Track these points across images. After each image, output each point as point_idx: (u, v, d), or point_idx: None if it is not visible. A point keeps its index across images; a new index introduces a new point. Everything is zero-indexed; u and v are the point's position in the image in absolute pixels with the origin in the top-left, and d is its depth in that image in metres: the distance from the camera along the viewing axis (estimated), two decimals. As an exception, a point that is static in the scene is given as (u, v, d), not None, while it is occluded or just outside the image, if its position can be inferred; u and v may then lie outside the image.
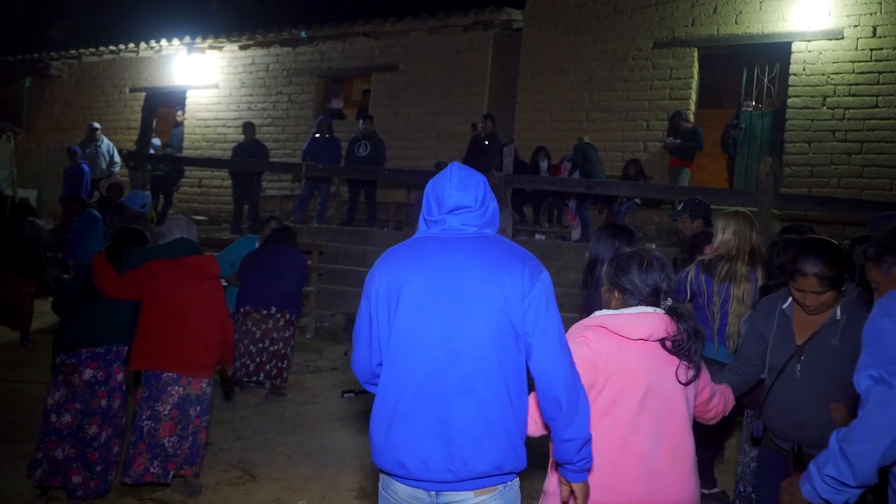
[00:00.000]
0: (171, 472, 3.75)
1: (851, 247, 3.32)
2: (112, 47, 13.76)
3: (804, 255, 2.54)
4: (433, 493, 1.84)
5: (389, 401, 1.89)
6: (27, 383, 5.77)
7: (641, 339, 2.07)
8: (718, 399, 2.34)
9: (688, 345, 2.08)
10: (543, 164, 9.32)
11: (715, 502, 3.82)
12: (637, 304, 2.12)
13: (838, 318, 2.54)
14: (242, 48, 12.75)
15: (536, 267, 1.90)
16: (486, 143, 9.15)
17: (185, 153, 13.03)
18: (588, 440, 1.86)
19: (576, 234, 8.92)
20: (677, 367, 2.09)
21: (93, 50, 14.02)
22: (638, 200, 8.99)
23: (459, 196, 1.96)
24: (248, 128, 10.84)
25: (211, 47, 12.97)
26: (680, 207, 4.75)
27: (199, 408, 3.81)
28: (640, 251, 2.20)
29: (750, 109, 9.60)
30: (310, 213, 10.62)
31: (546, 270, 1.93)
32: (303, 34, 11.93)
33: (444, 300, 1.86)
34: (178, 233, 3.90)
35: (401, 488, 1.89)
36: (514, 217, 8.23)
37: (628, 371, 2.05)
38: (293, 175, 11.25)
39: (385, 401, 1.90)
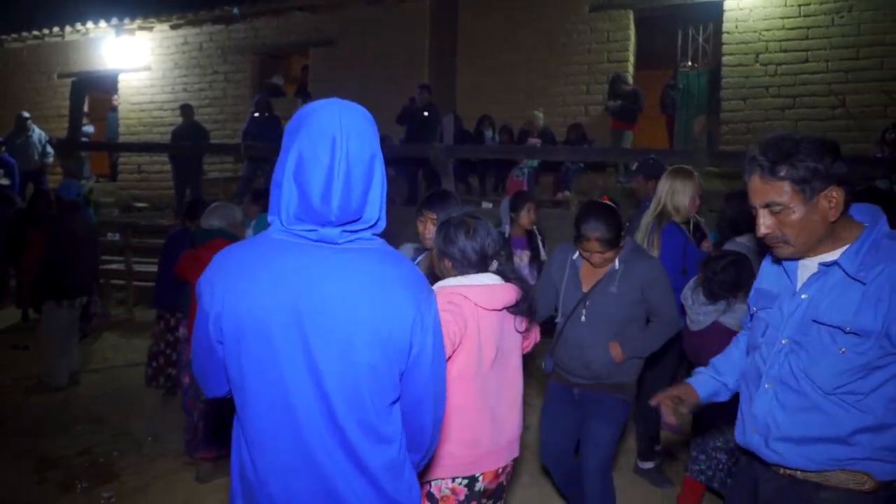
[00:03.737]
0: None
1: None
2: (35, 32, 13.20)
3: (586, 221, 2.83)
4: None
5: (245, 467, 1.48)
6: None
7: (496, 310, 2.17)
8: (535, 330, 2.48)
9: (526, 305, 2.23)
10: (488, 133, 9.31)
11: (654, 475, 3.82)
12: (468, 271, 2.19)
13: (616, 268, 2.91)
14: (174, 28, 12.36)
15: (426, 301, 1.48)
16: (426, 114, 9.08)
17: (122, 139, 12.66)
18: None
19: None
20: (515, 320, 2.24)
21: (15, 35, 13.42)
22: (582, 164, 9.07)
23: (346, 201, 1.41)
24: (186, 110, 10.56)
25: (140, 28, 12.54)
26: (634, 168, 4.74)
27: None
28: (465, 217, 2.22)
29: (686, 70, 9.72)
30: (254, 195, 10.45)
31: (433, 297, 1.53)
32: (235, 11, 11.61)
33: (313, 344, 1.40)
34: (213, 220, 3.95)
35: None
36: (458, 188, 8.22)
37: (484, 337, 2.16)
38: (235, 156, 11.03)
39: (240, 466, 1.50)
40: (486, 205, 9.05)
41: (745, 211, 3.19)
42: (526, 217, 4.64)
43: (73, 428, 4.64)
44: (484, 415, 2.19)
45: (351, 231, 1.45)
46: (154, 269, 8.48)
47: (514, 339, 2.28)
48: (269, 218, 1.49)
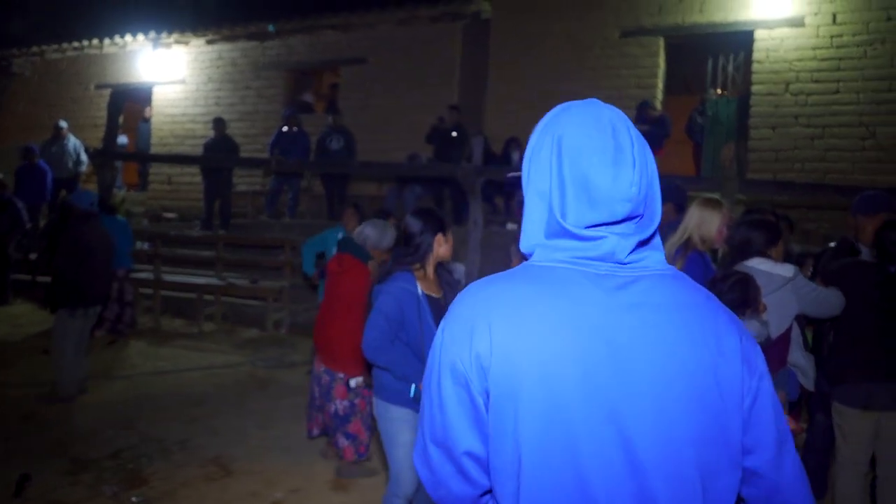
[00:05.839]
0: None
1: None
2: (76, 43, 13.51)
3: None
4: None
5: None
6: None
7: None
8: None
9: None
10: (515, 156, 9.37)
11: None
12: None
13: None
14: (209, 43, 12.61)
15: (750, 339, 1.10)
16: (454, 134, 9.17)
17: (154, 150, 12.89)
18: None
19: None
20: None
21: (56, 46, 13.75)
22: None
23: (625, 180, 1.05)
24: (219, 124, 10.75)
25: (177, 42, 12.81)
26: None
27: (318, 389, 4.18)
28: (738, 272, 2.70)
29: (715, 97, 9.74)
30: (281, 209, 10.60)
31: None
32: (270, 28, 11.84)
33: (626, 408, 1.00)
34: (367, 229, 4.12)
35: None
36: (485, 208, 8.29)
37: None
38: (264, 170, 11.20)
39: None
40: (512, 226, 9.11)
41: (752, 236, 3.39)
42: None
43: (103, 432, 4.73)
44: None
45: (640, 243, 1.09)
46: (182, 279, 8.63)
47: None
48: (523, 247, 1.14)
